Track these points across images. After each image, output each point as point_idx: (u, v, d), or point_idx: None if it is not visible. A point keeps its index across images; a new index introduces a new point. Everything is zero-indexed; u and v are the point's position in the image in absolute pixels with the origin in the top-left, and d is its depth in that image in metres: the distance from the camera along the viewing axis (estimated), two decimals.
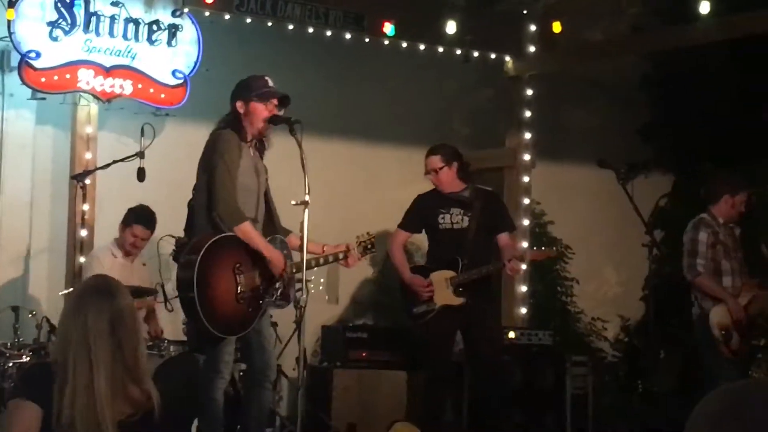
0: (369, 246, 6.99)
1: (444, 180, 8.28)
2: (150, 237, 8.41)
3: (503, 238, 8.32)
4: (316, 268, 6.87)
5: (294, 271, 6.48)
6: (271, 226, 6.68)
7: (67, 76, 8.48)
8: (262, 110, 6.50)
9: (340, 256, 6.81)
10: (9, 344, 7.60)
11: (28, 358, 7.40)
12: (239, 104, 6.51)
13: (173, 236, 7.24)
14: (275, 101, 6.53)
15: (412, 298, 8.19)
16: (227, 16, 9.21)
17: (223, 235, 6.30)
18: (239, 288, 6.31)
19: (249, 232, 6.35)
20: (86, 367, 3.38)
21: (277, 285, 6.45)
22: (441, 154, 8.31)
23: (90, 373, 3.37)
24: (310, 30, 9.57)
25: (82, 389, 3.35)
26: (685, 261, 8.06)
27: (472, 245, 8.17)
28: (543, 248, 8.79)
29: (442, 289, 8.11)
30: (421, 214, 8.38)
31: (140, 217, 8.38)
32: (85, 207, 8.29)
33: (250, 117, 6.50)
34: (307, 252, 6.35)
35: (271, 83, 6.58)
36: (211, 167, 6.36)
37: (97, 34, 8.59)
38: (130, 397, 3.45)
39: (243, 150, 6.45)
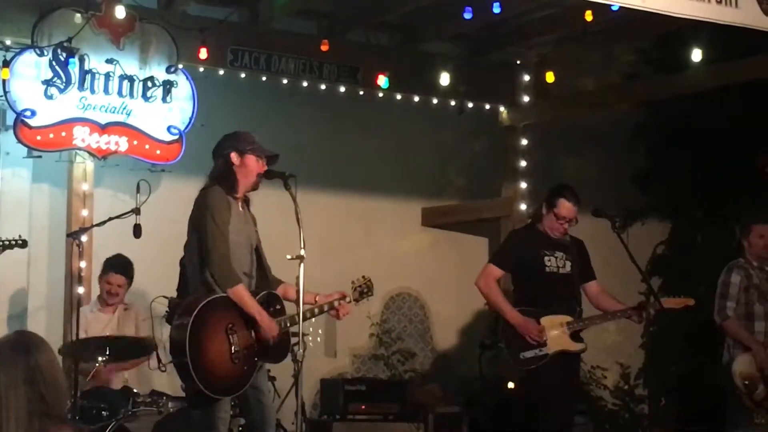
0: (365, 290, 6.86)
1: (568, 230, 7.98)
2: (127, 284, 8.41)
3: (595, 285, 8.11)
4: (313, 320, 6.79)
5: (288, 325, 6.45)
6: (264, 279, 6.66)
7: (63, 134, 8.50)
8: (255, 165, 6.51)
9: (335, 303, 6.68)
10: None
11: None
12: (234, 155, 6.48)
13: (166, 297, 7.22)
14: (265, 159, 6.55)
15: (520, 341, 7.71)
16: (221, 72, 9.27)
17: (215, 296, 6.28)
18: (233, 348, 6.26)
19: (243, 295, 6.30)
20: None
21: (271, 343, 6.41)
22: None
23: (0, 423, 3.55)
24: (305, 84, 9.63)
25: None
26: (716, 304, 8.07)
27: (577, 291, 7.95)
28: (681, 296, 8.06)
29: (557, 335, 7.73)
30: (519, 251, 7.96)
31: (113, 266, 8.39)
32: (82, 264, 8.31)
33: (245, 170, 6.49)
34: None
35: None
36: (202, 227, 6.33)
37: (92, 91, 8.62)
38: None
39: (232, 206, 6.44)
